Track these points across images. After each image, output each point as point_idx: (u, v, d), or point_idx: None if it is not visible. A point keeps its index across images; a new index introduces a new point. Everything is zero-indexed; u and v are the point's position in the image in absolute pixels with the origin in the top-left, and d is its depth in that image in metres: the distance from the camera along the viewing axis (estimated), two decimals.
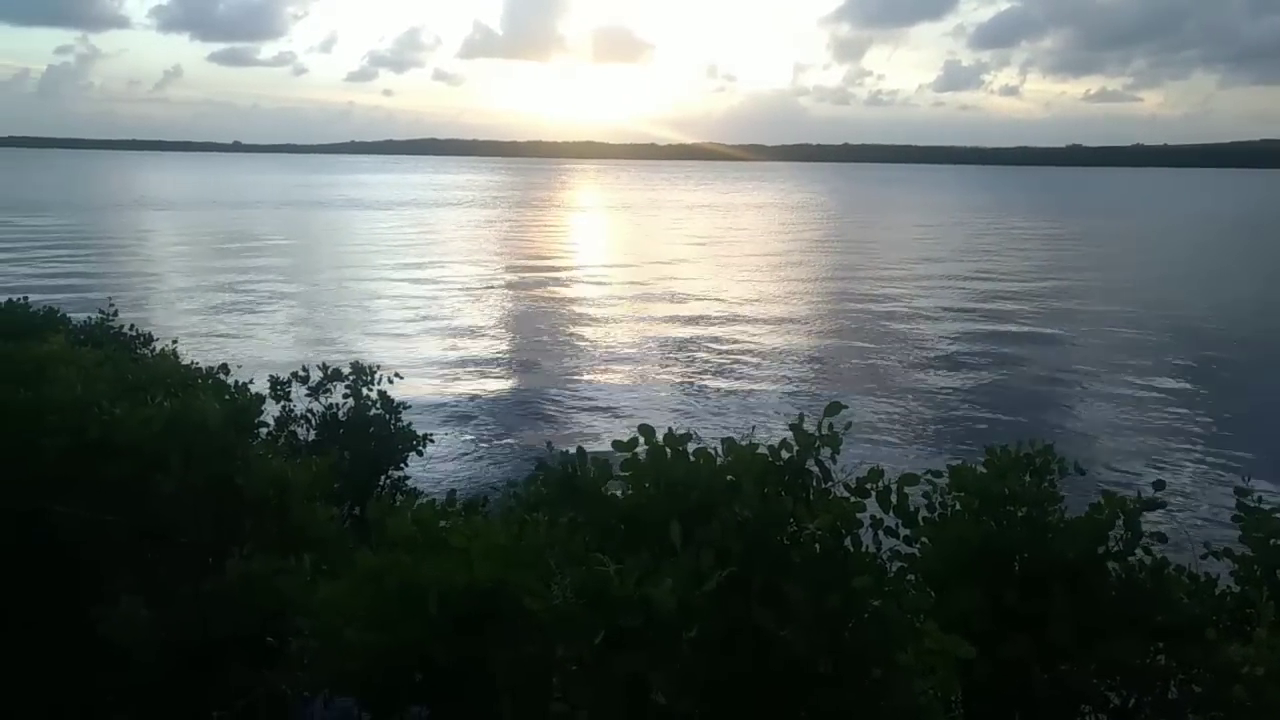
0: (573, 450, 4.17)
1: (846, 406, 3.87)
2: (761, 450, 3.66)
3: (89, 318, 11.87)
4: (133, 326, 12.03)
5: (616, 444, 3.67)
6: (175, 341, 11.39)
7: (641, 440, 3.59)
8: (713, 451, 3.65)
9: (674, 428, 3.68)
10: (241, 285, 40.02)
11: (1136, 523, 4.87)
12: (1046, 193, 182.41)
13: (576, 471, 3.71)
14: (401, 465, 9.66)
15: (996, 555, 4.94)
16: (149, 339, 11.75)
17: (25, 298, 11.83)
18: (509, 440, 18.38)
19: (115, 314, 12.05)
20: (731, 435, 3.81)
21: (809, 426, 3.74)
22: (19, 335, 9.55)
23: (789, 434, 3.78)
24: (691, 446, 3.58)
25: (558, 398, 22.00)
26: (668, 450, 3.50)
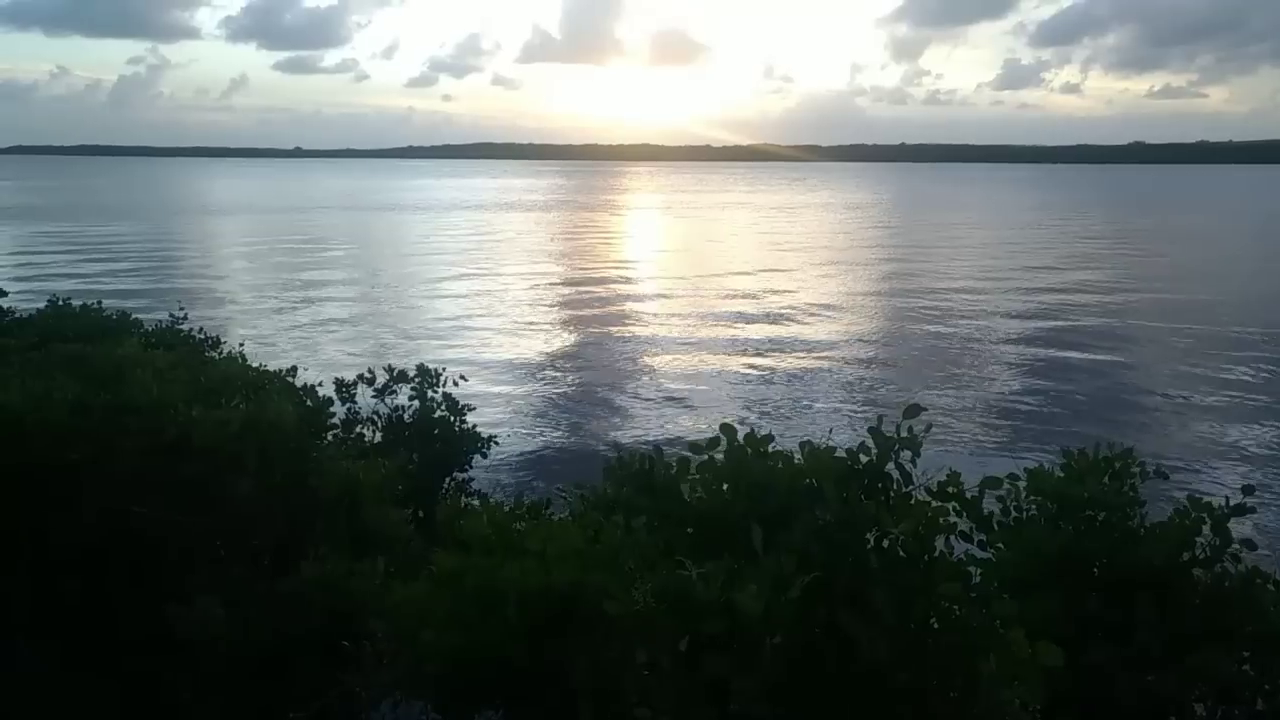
0: (645, 450, 4.16)
1: (926, 409, 3.80)
2: (840, 453, 3.60)
3: (160, 321, 12.17)
4: (201, 330, 12.30)
5: (694, 445, 3.64)
6: (243, 344, 11.65)
7: (724, 440, 3.55)
8: (790, 454, 3.60)
9: (753, 428, 3.64)
10: (306, 287, 40.75)
11: (1224, 529, 4.71)
12: (1111, 190, 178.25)
13: (653, 470, 3.67)
14: (466, 467, 9.75)
15: (1076, 561, 4.82)
16: (217, 342, 12.00)
17: (99, 302, 12.18)
18: (572, 442, 18.42)
19: (185, 317, 12.34)
20: (807, 438, 3.77)
21: (887, 429, 3.67)
22: (95, 338, 9.83)
23: (866, 437, 3.72)
24: (770, 448, 3.53)
25: (621, 399, 22.02)
26: (748, 451, 3.46)
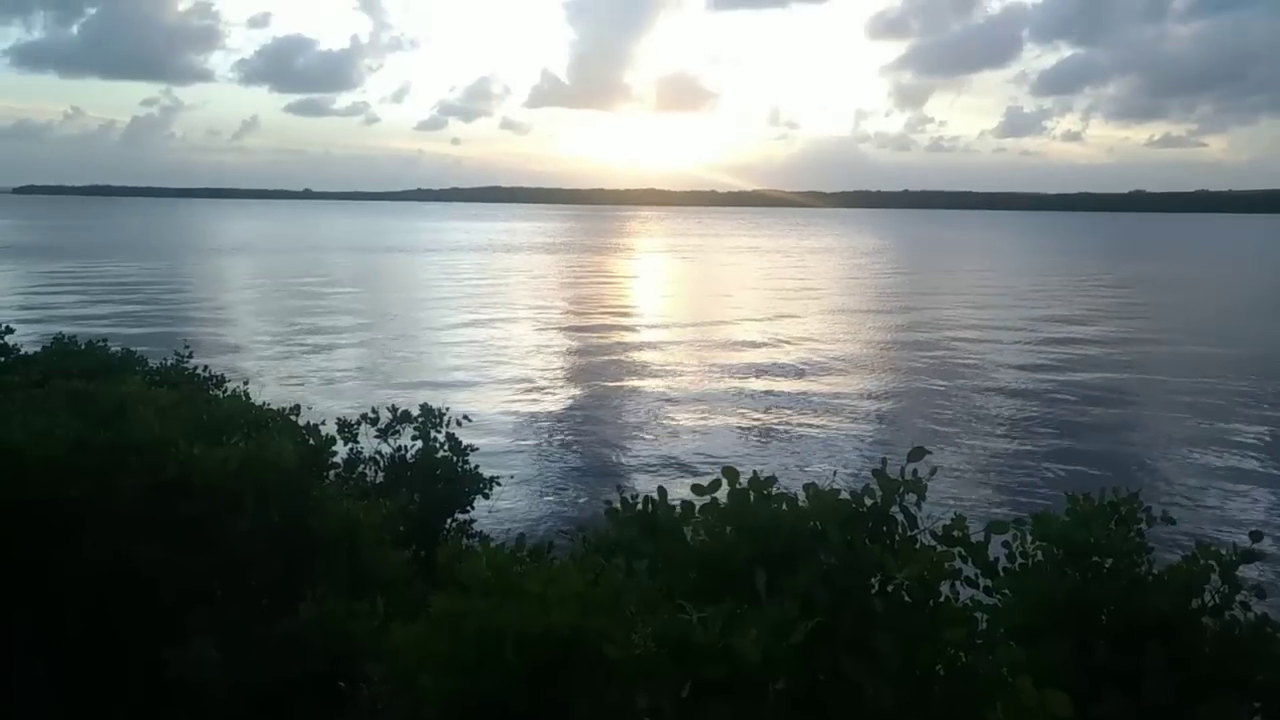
0: (646, 492, 4.12)
1: (930, 452, 3.77)
2: (844, 496, 3.57)
3: (164, 359, 12.20)
4: (206, 368, 12.32)
5: (696, 487, 3.61)
6: (246, 383, 11.65)
7: (725, 482, 3.52)
8: (794, 496, 3.57)
9: (757, 471, 3.62)
10: (312, 328, 40.91)
11: (1233, 576, 4.65)
12: (1113, 238, 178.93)
13: (655, 513, 3.64)
14: (468, 509, 9.69)
15: (1084, 608, 4.75)
16: (221, 380, 12.00)
17: (105, 340, 12.22)
18: (576, 485, 18.37)
19: (190, 356, 12.38)
20: (811, 480, 3.73)
21: (892, 472, 3.64)
22: (99, 376, 9.84)
23: (870, 479, 3.69)
24: (774, 489, 3.50)
25: (625, 442, 21.97)
26: (751, 494, 3.43)
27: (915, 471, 3.64)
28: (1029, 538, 4.99)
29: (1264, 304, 59.12)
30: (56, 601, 6.36)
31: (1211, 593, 4.68)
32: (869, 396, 27.83)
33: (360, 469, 9.40)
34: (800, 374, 31.15)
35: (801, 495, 3.55)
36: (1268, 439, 22.83)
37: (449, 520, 9.59)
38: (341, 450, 9.38)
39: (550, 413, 25.00)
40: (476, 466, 9.89)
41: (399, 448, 9.63)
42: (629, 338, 40.14)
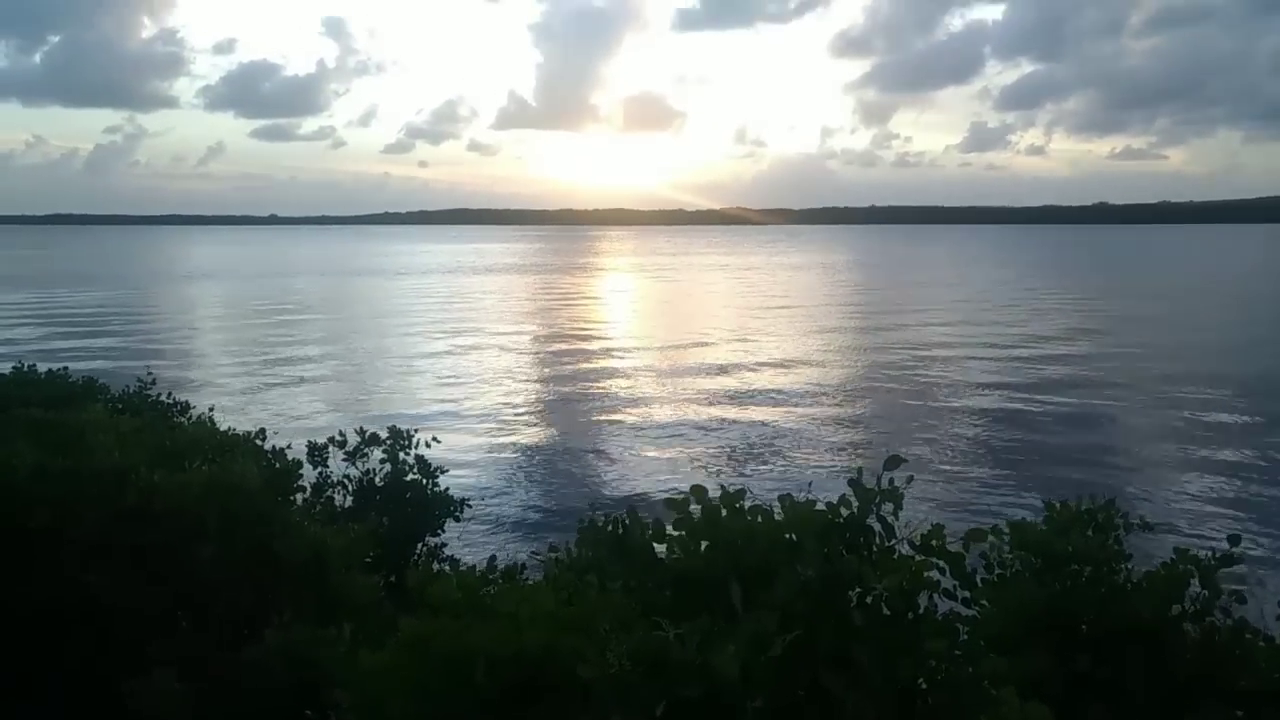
0: (618, 512, 4.03)
1: (906, 460, 3.71)
2: (820, 507, 3.50)
3: (127, 387, 11.95)
4: (170, 394, 12.09)
5: (669, 502, 3.52)
6: (212, 409, 11.42)
7: (694, 500, 3.44)
8: (768, 509, 3.49)
9: (726, 486, 3.54)
10: (276, 353, 40.46)
11: (1213, 581, 4.62)
12: (1076, 251, 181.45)
13: (626, 532, 3.56)
14: (439, 531, 9.54)
15: (1064, 617, 4.71)
16: (186, 407, 11.76)
17: (65, 368, 11.95)
18: (547, 505, 18.21)
19: (153, 383, 12.13)
20: (786, 492, 3.66)
21: (868, 482, 3.58)
22: (59, 404, 9.60)
23: (846, 489, 3.62)
24: (746, 503, 3.43)
25: (596, 461, 21.83)
26: (723, 509, 3.35)
27: (892, 481, 3.58)
28: (1006, 547, 4.95)
29: (1235, 314, 60.10)
30: (15, 635, 6.15)
31: (1191, 599, 4.65)
32: (842, 410, 27.92)
33: (328, 493, 9.22)
34: (771, 392, 31.16)
35: (777, 508, 3.48)
36: (1240, 445, 23.09)
37: (419, 544, 9.44)
38: (309, 474, 9.21)
39: (522, 434, 24.83)
40: (447, 489, 9.74)
41: (367, 470, 9.48)
42: (599, 358, 40.04)
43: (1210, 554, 4.70)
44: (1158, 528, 5.63)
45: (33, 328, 50.04)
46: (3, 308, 63.05)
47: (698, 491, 3.43)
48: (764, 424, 25.61)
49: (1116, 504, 5.14)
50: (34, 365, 11.90)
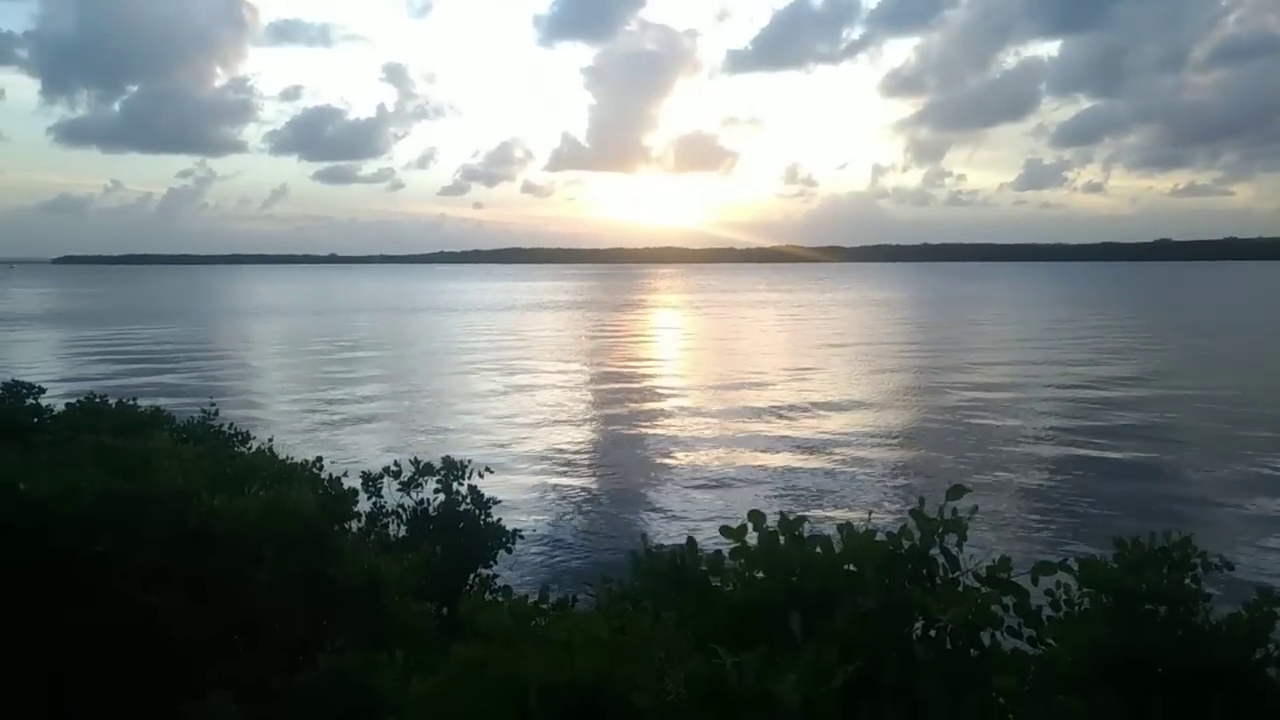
0: (674, 542, 3.96)
1: (969, 490, 3.60)
2: (880, 537, 3.41)
3: (191, 417, 12.22)
4: (231, 425, 12.33)
5: (724, 530, 3.46)
6: (271, 439, 11.60)
7: (751, 526, 3.37)
8: (826, 538, 3.41)
9: (784, 512, 3.47)
10: (334, 387, 41.09)
11: None
12: (1138, 286, 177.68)
13: (684, 563, 3.49)
14: (491, 563, 9.53)
15: (1138, 658, 4.50)
16: (247, 437, 11.98)
17: (134, 399, 12.26)
18: (600, 541, 18.12)
19: (216, 413, 12.40)
20: (846, 522, 3.58)
21: (930, 512, 3.48)
22: (127, 433, 9.83)
23: (908, 519, 3.52)
24: (805, 532, 3.35)
25: (650, 498, 21.72)
26: (781, 536, 3.27)
27: (955, 511, 3.48)
28: (1075, 584, 4.76)
29: None
30: (74, 660, 6.24)
31: (1276, 643, 4.42)
32: (899, 454, 27.42)
33: (383, 521, 9.28)
34: (827, 433, 30.75)
35: (835, 537, 3.40)
36: None
37: (472, 575, 9.44)
38: (364, 504, 9.28)
39: (575, 470, 24.81)
40: (499, 519, 9.75)
41: (421, 500, 9.53)
42: (651, 396, 39.97)
43: None
44: (1238, 568, 5.40)
45: (106, 364, 51.45)
46: (77, 343, 65.09)
47: (755, 517, 3.36)
48: (820, 467, 25.26)
49: (1193, 542, 4.94)
50: (104, 397, 12.23)
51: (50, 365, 49.38)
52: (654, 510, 20.63)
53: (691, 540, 3.62)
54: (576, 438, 29.46)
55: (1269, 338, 67.96)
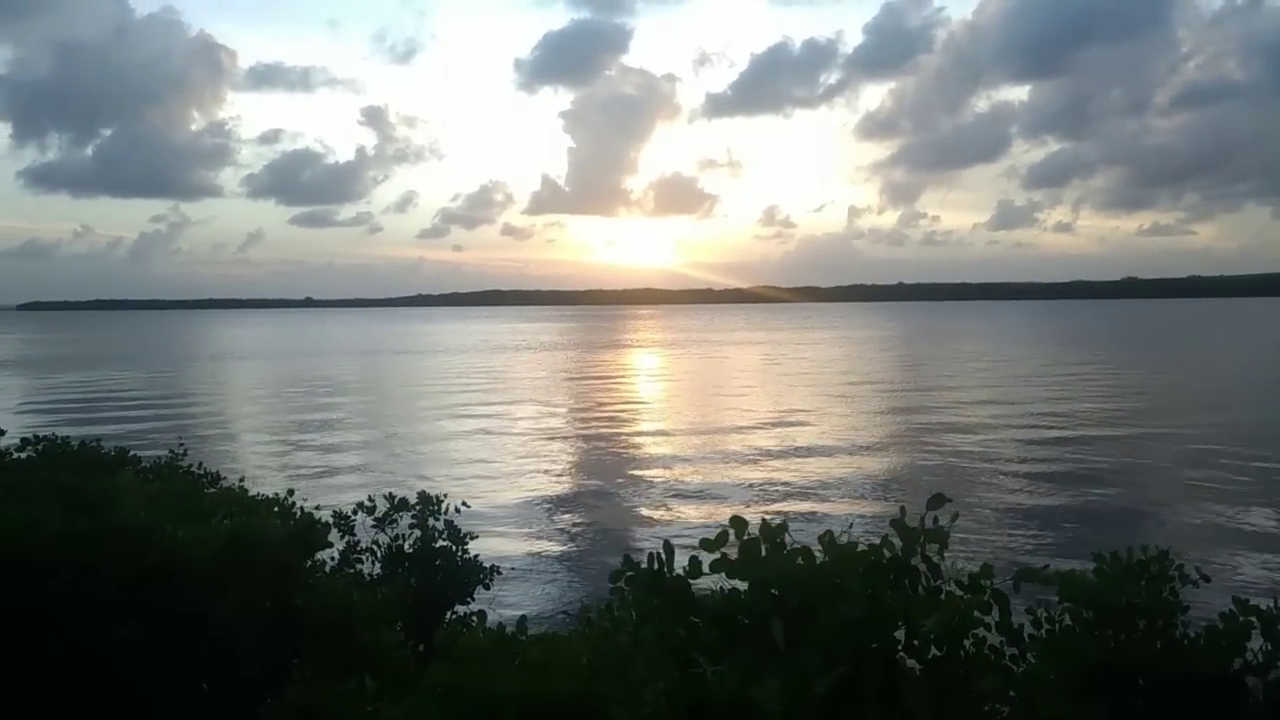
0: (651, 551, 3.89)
1: (950, 499, 3.57)
2: (862, 548, 3.36)
3: (159, 457, 11.96)
4: (200, 465, 12.06)
5: (704, 542, 3.40)
6: (242, 479, 11.37)
7: (733, 534, 3.31)
8: (808, 549, 3.36)
9: (766, 518, 3.41)
10: (307, 431, 40.61)
11: (1276, 632, 4.38)
12: (1105, 323, 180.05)
13: (663, 570, 3.42)
14: (468, 600, 9.35)
15: (1119, 671, 4.47)
16: (216, 477, 11.71)
17: (98, 441, 11.97)
18: (580, 576, 17.92)
19: (184, 453, 12.12)
20: (827, 531, 3.52)
21: (911, 522, 3.44)
22: (90, 472, 9.59)
23: (889, 530, 3.48)
24: (786, 540, 3.29)
25: (629, 529, 21.58)
26: (763, 543, 3.22)
27: (936, 520, 3.44)
28: (1054, 598, 4.74)
29: (1273, 377, 59.17)
30: (31, 701, 6.04)
31: (1255, 652, 4.41)
32: (878, 471, 27.55)
33: (355, 556, 9.10)
34: (804, 454, 30.83)
35: (817, 547, 3.35)
36: None
37: (449, 612, 9.25)
38: (338, 542, 9.10)
39: (554, 504, 24.61)
40: (477, 556, 9.59)
41: (396, 536, 9.36)
42: (633, 425, 39.91)
43: (1272, 605, 4.47)
44: (1214, 580, 5.40)
45: (65, 411, 50.56)
46: (35, 390, 64.05)
47: (737, 524, 3.30)
48: (796, 492, 25.31)
49: (1170, 555, 4.94)
50: (66, 438, 11.94)
51: (11, 410, 48.50)
52: (633, 544, 20.46)
53: (668, 544, 3.55)
54: (558, 477, 29.25)
55: (1246, 369, 68.94)
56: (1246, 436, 34.30)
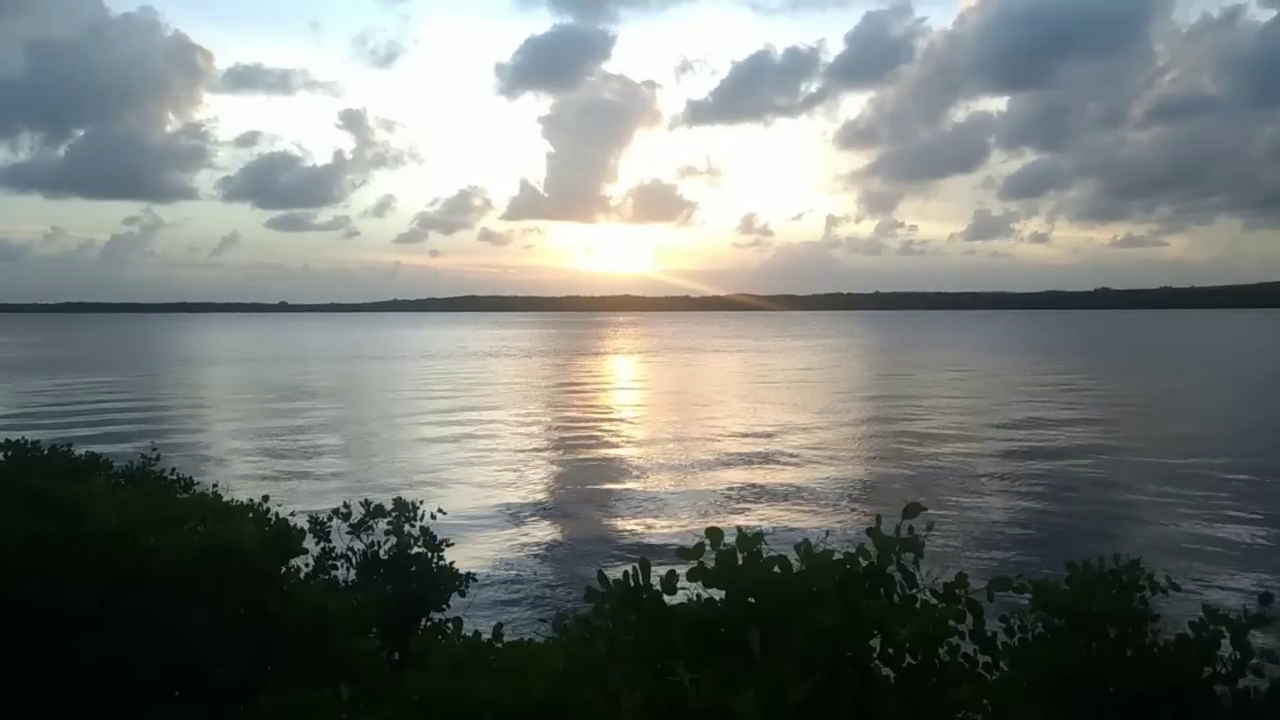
0: (627, 568, 3.90)
1: (926, 508, 3.60)
2: (838, 557, 3.38)
3: (131, 462, 11.79)
4: (174, 470, 11.92)
5: (682, 550, 3.41)
6: (216, 485, 11.24)
7: (709, 545, 3.32)
8: (784, 558, 3.37)
9: (742, 528, 3.43)
10: (281, 436, 40.30)
11: (1245, 641, 4.44)
12: (1083, 333, 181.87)
13: (639, 584, 3.42)
14: (444, 607, 9.29)
15: (1090, 680, 4.51)
16: (190, 483, 11.57)
17: (69, 445, 11.80)
18: (557, 583, 17.87)
19: (157, 458, 11.96)
20: (804, 539, 3.54)
21: (886, 530, 3.47)
22: (60, 478, 9.46)
23: (865, 539, 3.51)
24: (763, 549, 3.31)
25: (605, 537, 21.55)
26: (739, 553, 3.23)
27: (911, 529, 3.47)
28: (1028, 608, 4.78)
29: (1243, 389, 59.97)
30: (3, 713, 5.95)
31: (1223, 660, 4.46)
32: (854, 480, 27.67)
33: (330, 562, 9.03)
34: (779, 462, 30.92)
35: (793, 556, 3.37)
36: (1257, 510, 22.92)
37: (424, 620, 9.19)
38: (313, 548, 9.02)
39: (530, 510, 24.54)
40: (452, 562, 9.54)
41: (372, 543, 9.29)
42: (611, 431, 39.88)
43: (1241, 613, 4.53)
44: (1185, 589, 5.46)
45: (34, 416, 49.89)
46: (8, 393, 63.17)
47: (713, 534, 3.31)
48: (770, 502, 25.35)
49: (1141, 565, 4.99)
50: (36, 441, 11.76)
51: None
52: (609, 551, 20.44)
53: (644, 560, 3.56)
54: (533, 485, 29.16)
55: (1214, 380, 69.79)
56: (1217, 448, 34.74)
